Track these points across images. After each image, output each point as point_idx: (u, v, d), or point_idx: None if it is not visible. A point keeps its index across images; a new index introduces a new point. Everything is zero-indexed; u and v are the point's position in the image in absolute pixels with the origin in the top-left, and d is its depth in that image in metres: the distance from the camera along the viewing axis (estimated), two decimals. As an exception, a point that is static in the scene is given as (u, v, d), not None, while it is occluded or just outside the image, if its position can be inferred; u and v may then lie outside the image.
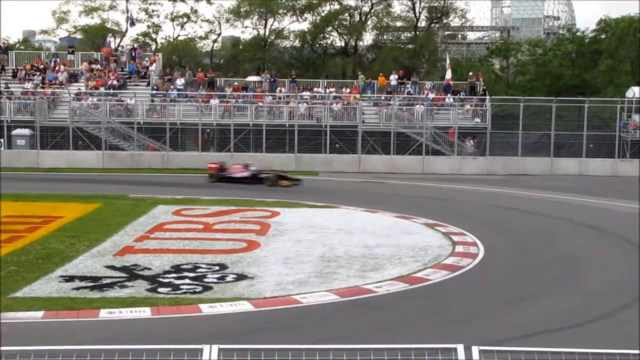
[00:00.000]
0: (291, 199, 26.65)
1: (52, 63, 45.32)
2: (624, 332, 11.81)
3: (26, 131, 38.66)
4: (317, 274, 15.37)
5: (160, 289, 14.03)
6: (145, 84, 44.29)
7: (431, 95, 42.55)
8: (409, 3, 62.62)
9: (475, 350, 5.86)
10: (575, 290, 14.64)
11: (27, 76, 43.77)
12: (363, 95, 42.89)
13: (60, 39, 66.98)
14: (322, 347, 6.13)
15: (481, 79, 44.97)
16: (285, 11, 62.06)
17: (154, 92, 42.69)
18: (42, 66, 44.85)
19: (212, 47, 65.60)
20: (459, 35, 77.63)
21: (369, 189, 31.52)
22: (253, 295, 13.63)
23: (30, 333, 11.39)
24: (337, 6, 62.01)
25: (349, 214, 23.61)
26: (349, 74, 57.16)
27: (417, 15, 62.95)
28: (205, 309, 12.76)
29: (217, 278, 14.99)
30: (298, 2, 61.67)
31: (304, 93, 43.26)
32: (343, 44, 63.69)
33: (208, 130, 40.58)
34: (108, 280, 14.61)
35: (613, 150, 38.43)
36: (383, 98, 42.66)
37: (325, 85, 45.51)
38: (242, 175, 30.75)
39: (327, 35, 63.38)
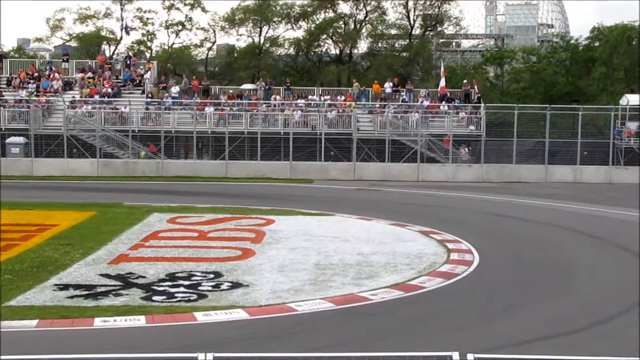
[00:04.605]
0: (286, 206, 26.64)
1: (47, 71, 45.28)
2: (619, 339, 11.82)
3: (20, 139, 38.59)
4: (312, 282, 15.35)
5: (155, 297, 14.01)
6: (140, 91, 44.26)
7: (426, 103, 42.59)
8: (404, 11, 62.77)
9: (470, 357, 5.87)
10: (570, 297, 14.65)
11: (21, 84, 43.73)
12: (358, 102, 42.90)
13: (54, 47, 66.94)
14: (317, 355, 6.14)
15: (476, 87, 45.04)
16: (280, 19, 62.12)
17: (148, 100, 42.66)
18: (36, 74, 44.80)
19: (207, 55, 65.63)
20: (454, 43, 77.75)
21: (364, 196, 31.51)
22: (248, 303, 13.61)
23: (25, 342, 11.34)
24: (331, 14, 62.11)
25: (344, 222, 23.60)
26: (343, 82, 57.23)
27: (412, 23, 63.08)
28: (200, 317, 12.74)
29: (212, 286, 14.97)
30: (293, 10, 61.76)
31: (298, 101, 43.26)
32: (338, 52, 63.75)
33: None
34: (102, 289, 14.58)
35: (607, 157, 38.51)
36: (378, 106, 42.69)
37: (320, 93, 45.51)
38: None
39: (322, 43, 63.43)
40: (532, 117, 41.13)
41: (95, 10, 61.44)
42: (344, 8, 62.22)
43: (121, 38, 61.57)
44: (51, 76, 44.38)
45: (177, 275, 15.87)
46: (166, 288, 14.76)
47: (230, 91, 45.85)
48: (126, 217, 23.47)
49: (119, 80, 45.30)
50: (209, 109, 41.15)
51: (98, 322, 12.30)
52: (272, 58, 64.09)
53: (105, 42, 59.89)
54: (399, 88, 45.30)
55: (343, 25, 62.62)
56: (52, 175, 36.83)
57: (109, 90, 43.18)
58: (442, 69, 47.46)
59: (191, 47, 64.66)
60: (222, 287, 14.94)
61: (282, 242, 19.81)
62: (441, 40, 70.09)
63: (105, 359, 5.95)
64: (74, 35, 62.37)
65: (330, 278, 15.74)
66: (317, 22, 61.91)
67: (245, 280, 15.43)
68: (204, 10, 62.16)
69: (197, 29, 63.66)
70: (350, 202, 28.88)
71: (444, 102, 42.63)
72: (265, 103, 42.67)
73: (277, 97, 43.95)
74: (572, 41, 64.70)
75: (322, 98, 44.12)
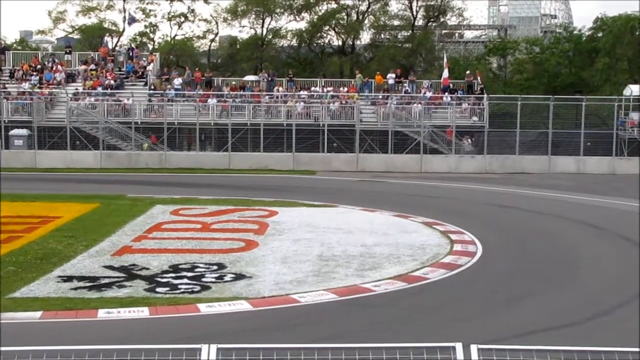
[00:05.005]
0: (289, 198, 26.64)
1: (50, 63, 45.27)
2: (622, 330, 11.82)
3: (24, 131, 38.60)
4: (316, 273, 15.37)
5: (158, 289, 14.03)
6: (143, 83, 44.21)
7: (429, 94, 42.52)
8: (406, 2, 62.60)
9: (474, 348, 5.85)
10: (574, 288, 14.65)
11: (24, 76, 43.72)
12: (360, 94, 42.86)
13: (57, 39, 66.89)
14: (321, 347, 6.13)
15: (479, 78, 44.95)
16: (282, 10, 62.00)
17: (151, 91, 42.63)
18: (39, 66, 44.78)
19: (210, 47, 65.56)
20: (456, 34, 77.58)
21: (367, 188, 31.51)
22: (251, 295, 13.63)
23: (29, 333, 11.38)
24: (334, 5, 61.96)
25: (347, 213, 23.60)
26: (346, 73, 57.11)
27: (415, 14, 62.94)
28: (204, 308, 12.75)
29: (216, 278, 14.99)
30: (295, 1, 61.61)
31: (301, 92, 43.22)
32: (340, 43, 63.64)
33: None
34: (106, 280, 14.60)
35: (610, 148, 38.48)
36: (380, 97, 42.64)
37: (323, 84, 45.47)
38: None
39: (325, 35, 63.33)
40: (535, 108, 41.07)
41: (98, 2, 61.35)
42: (347, -1, 62.16)
43: (124, 30, 61.56)
44: (54, 68, 44.37)
45: (180, 266, 15.89)
46: (169, 279, 14.79)
47: (233, 83, 45.80)
48: (129, 209, 23.49)
49: (122, 72, 45.27)
50: (212, 101, 41.12)
51: (102, 314, 12.33)
52: (275, 49, 63.98)
53: (107, 34, 59.86)
54: (402, 79, 45.22)
55: (345, 17, 62.48)
56: (55, 167, 36.85)
57: (112, 82, 43.15)
58: (445, 60, 47.40)
59: (194, 38, 64.60)
60: (226, 278, 14.96)
61: (285, 233, 19.82)
62: (444, 31, 69.98)
63: (109, 350, 5.95)
64: (77, 27, 62.27)
65: (334, 269, 15.75)
66: (320, 14, 61.79)
67: (248, 271, 15.44)
68: (206, 1, 62.03)
69: (200, 20, 63.62)
70: (353, 194, 28.87)
71: (446, 93, 42.58)
72: (268, 94, 42.63)
73: (280, 88, 43.92)
74: (575, 32, 64.51)
75: (325, 89, 44.07)
